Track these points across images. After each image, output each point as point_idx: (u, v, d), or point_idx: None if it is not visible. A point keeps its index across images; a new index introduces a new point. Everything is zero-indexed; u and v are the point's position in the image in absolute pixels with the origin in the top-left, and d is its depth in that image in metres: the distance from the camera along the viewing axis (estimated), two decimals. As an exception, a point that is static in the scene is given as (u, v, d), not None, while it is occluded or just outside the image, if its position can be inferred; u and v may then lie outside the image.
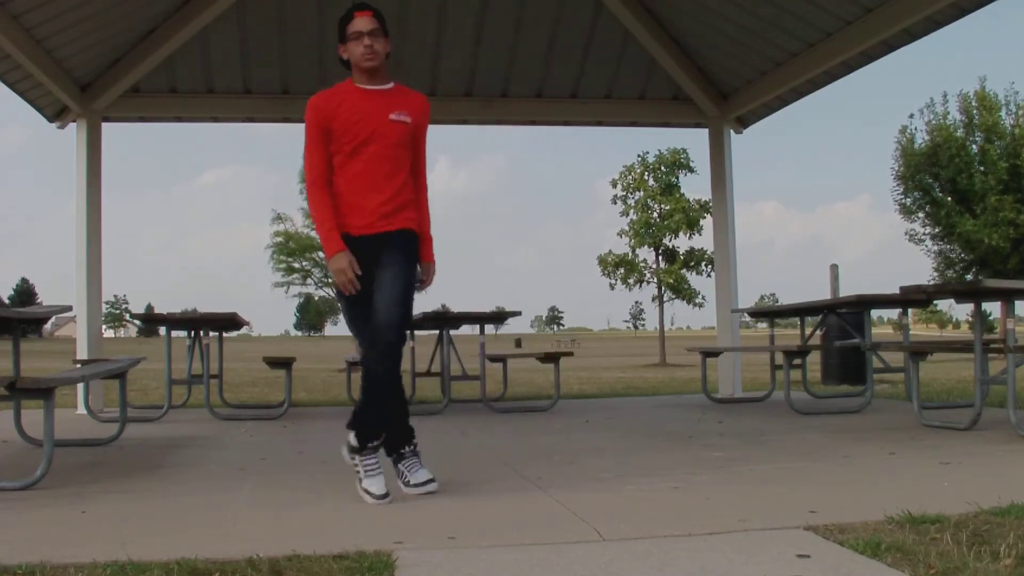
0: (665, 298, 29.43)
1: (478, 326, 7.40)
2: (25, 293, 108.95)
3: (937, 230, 26.11)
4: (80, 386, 7.05)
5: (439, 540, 2.64)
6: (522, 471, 3.96)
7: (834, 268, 12.25)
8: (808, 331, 7.69)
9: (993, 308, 7.16)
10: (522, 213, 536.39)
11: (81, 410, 7.05)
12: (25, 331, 5.76)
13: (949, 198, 25.54)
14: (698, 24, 7.70)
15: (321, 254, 25.47)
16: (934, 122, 25.92)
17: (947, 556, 2.29)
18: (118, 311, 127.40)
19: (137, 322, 50.67)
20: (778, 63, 7.39)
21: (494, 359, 7.60)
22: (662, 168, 29.08)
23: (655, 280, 29.29)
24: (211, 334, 7.29)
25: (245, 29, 7.52)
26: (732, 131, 8.47)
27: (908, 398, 6.58)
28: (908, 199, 26.63)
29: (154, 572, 2.27)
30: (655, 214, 29.06)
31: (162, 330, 7.16)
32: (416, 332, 8.06)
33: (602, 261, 29.58)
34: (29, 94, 6.91)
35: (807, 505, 2.98)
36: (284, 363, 7.10)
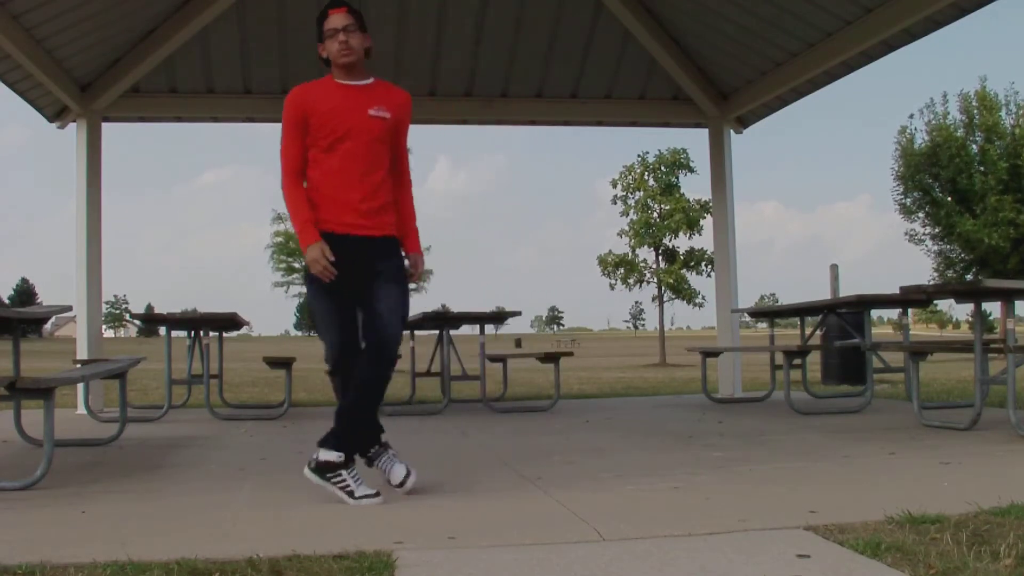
0: (665, 298, 29.44)
1: (478, 326, 7.40)
2: (25, 293, 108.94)
3: (937, 230, 26.12)
4: (80, 386, 7.05)
5: (439, 540, 2.64)
6: (522, 471, 3.96)
7: (834, 268, 12.24)
8: (808, 331, 7.69)
9: (993, 308, 7.16)
10: (522, 213, 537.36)
11: (81, 410, 7.05)
12: (25, 331, 5.76)
13: (949, 198, 25.55)
14: (698, 24, 7.70)
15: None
16: (934, 122, 25.95)
17: (947, 556, 2.29)
18: (118, 311, 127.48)
19: (137, 322, 50.80)
20: (778, 63, 7.39)
21: (494, 359, 7.61)
22: (662, 168, 29.08)
23: (655, 280, 29.27)
24: (211, 334, 7.30)
25: (245, 29, 7.52)
26: (732, 131, 8.47)
27: (908, 398, 6.58)
28: (908, 199, 26.65)
29: (154, 572, 2.27)
30: (655, 214, 29.06)
31: (162, 330, 7.18)
32: (416, 332, 8.07)
33: (602, 261, 29.58)
34: (29, 94, 6.91)
35: (807, 505, 2.98)
36: (284, 363, 7.11)
